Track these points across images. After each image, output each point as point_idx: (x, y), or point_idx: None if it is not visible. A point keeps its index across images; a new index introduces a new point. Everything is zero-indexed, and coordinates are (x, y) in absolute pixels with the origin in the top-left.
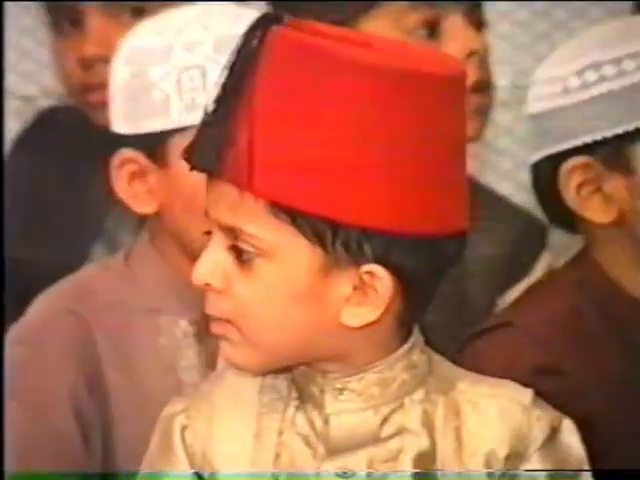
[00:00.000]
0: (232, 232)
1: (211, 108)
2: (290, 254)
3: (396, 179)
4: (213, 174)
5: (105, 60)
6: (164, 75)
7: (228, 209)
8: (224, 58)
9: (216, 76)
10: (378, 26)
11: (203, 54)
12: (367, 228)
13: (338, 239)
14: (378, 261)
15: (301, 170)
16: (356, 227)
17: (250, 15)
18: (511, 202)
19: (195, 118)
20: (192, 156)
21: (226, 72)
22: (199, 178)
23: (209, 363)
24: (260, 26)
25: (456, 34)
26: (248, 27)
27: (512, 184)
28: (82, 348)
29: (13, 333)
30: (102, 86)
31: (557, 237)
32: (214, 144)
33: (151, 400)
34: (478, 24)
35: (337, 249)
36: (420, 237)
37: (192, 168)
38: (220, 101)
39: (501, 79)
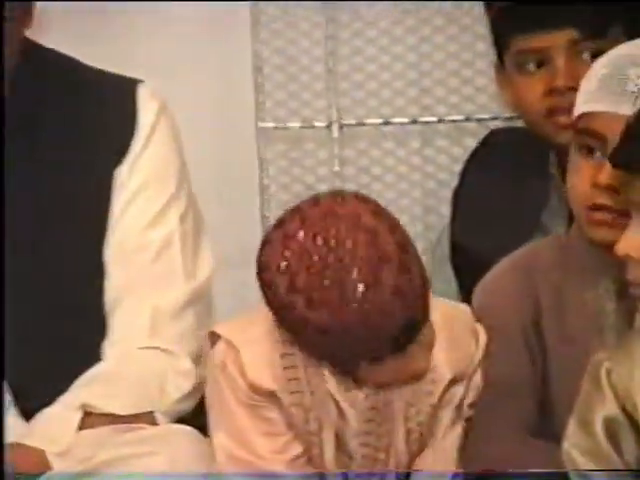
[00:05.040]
0: None
1: None
2: None
3: None
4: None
5: (573, 90)
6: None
7: None
8: None
9: None
10: None
11: None
12: None
13: None
14: None
15: None
16: None
17: None
18: None
19: None
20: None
21: None
22: None
23: (626, 321)
24: None
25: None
26: None
27: None
28: (529, 297)
29: (483, 281)
30: (569, 111)
31: None
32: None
33: (576, 340)
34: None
35: None
36: None
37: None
38: None
39: None
